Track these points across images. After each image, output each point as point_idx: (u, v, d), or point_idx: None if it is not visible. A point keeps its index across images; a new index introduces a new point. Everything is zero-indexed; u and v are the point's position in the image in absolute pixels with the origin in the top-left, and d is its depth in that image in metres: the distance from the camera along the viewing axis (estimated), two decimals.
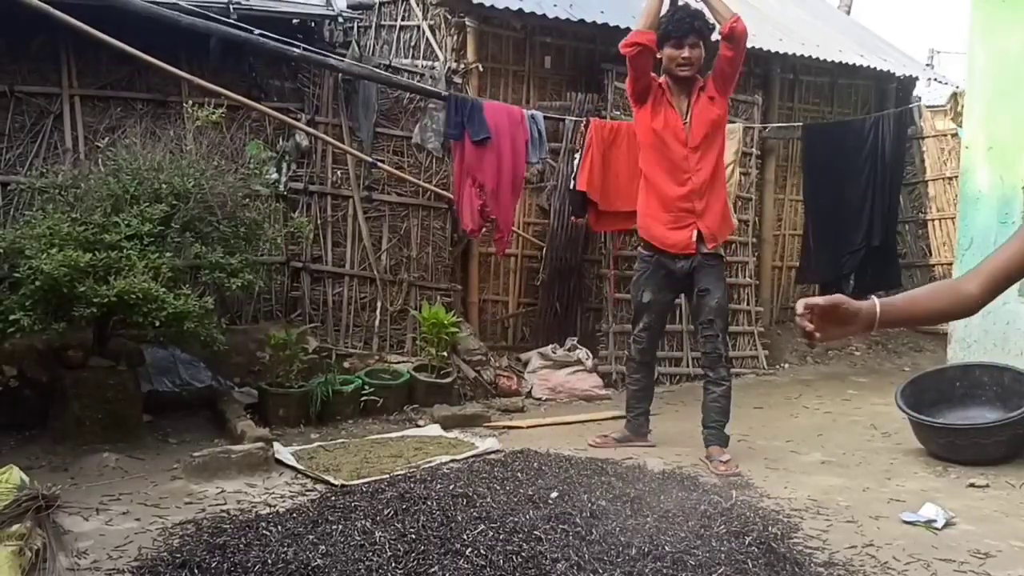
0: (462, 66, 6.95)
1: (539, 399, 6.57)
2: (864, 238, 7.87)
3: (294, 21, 6.36)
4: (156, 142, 5.61)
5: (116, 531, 3.72)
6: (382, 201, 6.74)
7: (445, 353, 6.26)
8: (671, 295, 5.16)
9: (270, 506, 4.01)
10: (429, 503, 3.69)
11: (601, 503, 3.74)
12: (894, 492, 4.47)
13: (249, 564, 3.15)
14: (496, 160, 6.37)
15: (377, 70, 6.56)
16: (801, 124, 8.26)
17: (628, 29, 7.19)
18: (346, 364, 6.22)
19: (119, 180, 4.93)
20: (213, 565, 3.18)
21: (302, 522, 3.60)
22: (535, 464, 4.46)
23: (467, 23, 7.00)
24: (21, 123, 5.73)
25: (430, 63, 7.11)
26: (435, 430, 5.46)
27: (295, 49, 5.98)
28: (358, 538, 3.35)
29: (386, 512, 3.62)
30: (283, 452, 4.78)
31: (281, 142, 6.38)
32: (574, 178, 6.76)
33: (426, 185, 6.80)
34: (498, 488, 3.94)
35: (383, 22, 7.70)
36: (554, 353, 6.94)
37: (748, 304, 8.02)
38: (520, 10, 6.97)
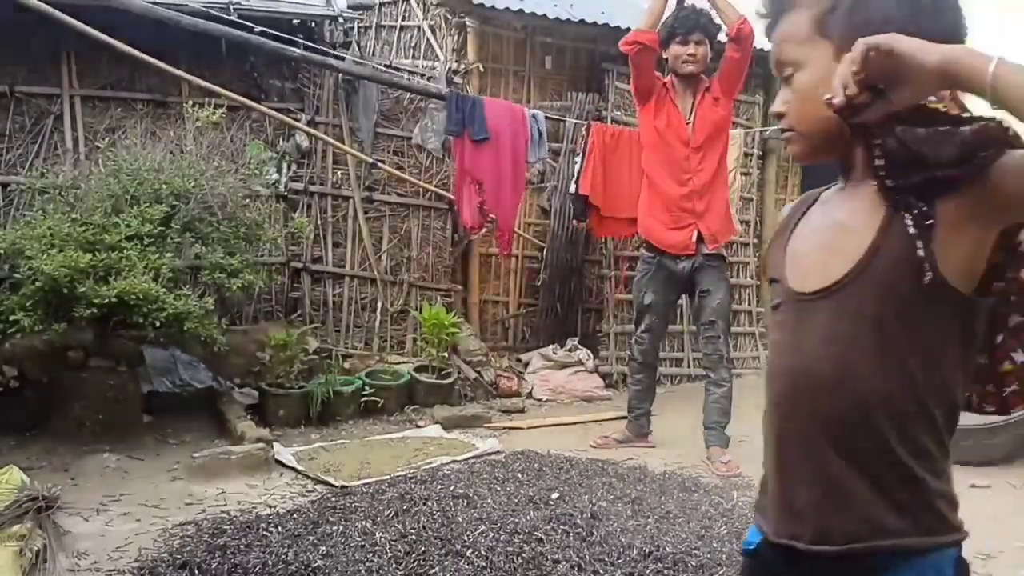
0: (462, 66, 6.94)
1: (540, 400, 6.57)
2: None
3: (294, 21, 6.36)
4: (156, 142, 5.61)
5: (116, 532, 3.72)
6: (382, 201, 6.74)
7: (445, 354, 6.26)
8: (673, 296, 5.16)
9: (270, 507, 4.01)
10: (430, 504, 3.69)
11: (602, 504, 3.74)
12: None
13: (249, 565, 3.15)
14: (496, 158, 6.36)
15: (377, 70, 6.56)
16: None
17: (629, 29, 7.18)
18: (346, 365, 6.21)
19: (119, 180, 4.93)
20: (213, 566, 3.18)
21: (302, 523, 3.60)
22: (536, 465, 4.46)
23: (467, 23, 7.00)
24: (21, 123, 5.72)
25: (430, 63, 7.11)
26: (436, 431, 5.46)
27: (295, 49, 5.98)
28: (358, 539, 3.34)
29: (387, 513, 3.62)
30: (283, 453, 4.77)
31: (281, 142, 6.37)
32: (575, 182, 6.76)
33: (426, 185, 6.80)
34: (499, 489, 3.94)
35: (383, 22, 7.69)
36: (555, 354, 6.94)
37: (749, 305, 8.02)
38: (521, 10, 6.97)
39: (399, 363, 6.39)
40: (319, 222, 6.51)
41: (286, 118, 6.28)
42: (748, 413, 5.67)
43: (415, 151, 6.82)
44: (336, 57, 6.33)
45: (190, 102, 5.76)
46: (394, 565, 3.12)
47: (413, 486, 3.99)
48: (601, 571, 3.11)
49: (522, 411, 6.26)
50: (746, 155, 7.96)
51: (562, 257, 7.36)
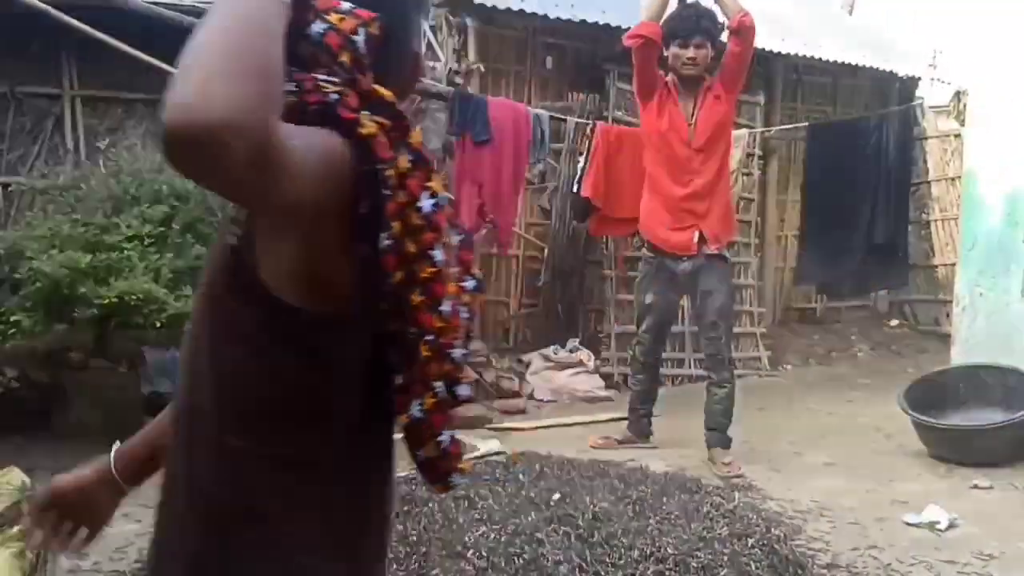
0: (463, 67, 6.93)
1: (541, 400, 6.56)
2: (865, 238, 7.85)
3: None
4: (157, 143, 5.60)
5: (117, 533, 3.70)
6: None
7: None
8: (674, 297, 5.13)
9: None
10: (431, 505, 3.68)
11: (603, 505, 3.73)
12: (897, 494, 4.45)
13: None
14: (497, 161, 6.36)
15: None
16: (804, 125, 8.24)
17: (630, 28, 7.21)
18: None
19: (120, 181, 4.93)
20: None
21: None
22: (537, 466, 4.44)
23: (468, 24, 6.99)
24: (22, 124, 5.73)
25: (431, 64, 7.11)
26: None
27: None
28: None
29: None
30: None
31: None
32: (578, 182, 6.75)
33: None
34: (500, 490, 3.93)
35: None
36: (556, 354, 6.93)
37: (751, 305, 8.01)
38: (522, 11, 6.97)
39: None
40: None
41: None
42: (749, 415, 5.68)
43: None
44: None
45: None
46: (395, 566, 3.11)
47: (414, 487, 3.97)
48: (602, 572, 3.10)
49: (523, 412, 6.25)
50: (747, 155, 7.95)
51: (563, 258, 7.35)
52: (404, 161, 1.03)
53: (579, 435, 5.53)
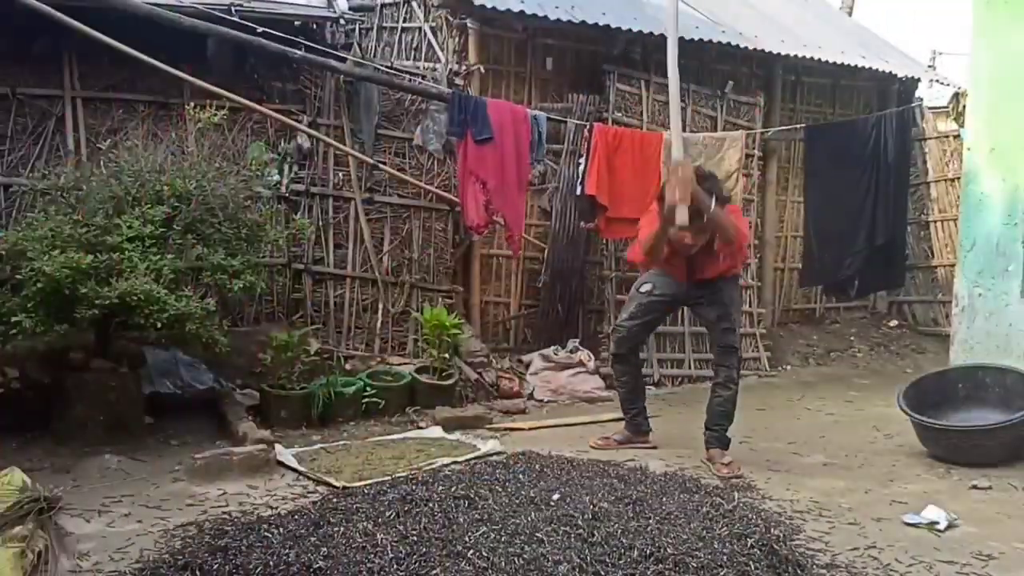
0: (464, 68, 6.95)
1: (541, 401, 6.57)
2: (867, 239, 7.85)
3: (296, 23, 6.37)
4: (158, 144, 5.62)
5: (118, 533, 3.72)
6: (384, 203, 6.74)
7: (447, 355, 6.25)
8: (669, 296, 5.01)
9: (272, 508, 4.01)
10: (431, 505, 3.69)
11: (603, 505, 3.74)
12: (896, 494, 4.46)
13: (251, 566, 3.15)
14: (499, 158, 6.37)
15: (379, 72, 6.56)
16: (803, 126, 8.25)
17: (629, 30, 7.24)
18: (348, 366, 6.22)
19: (121, 182, 4.94)
20: (215, 567, 3.18)
21: (304, 524, 3.60)
22: (537, 466, 4.45)
23: (469, 25, 7.00)
24: (23, 125, 5.74)
25: (432, 65, 7.12)
26: (437, 432, 5.46)
27: (297, 51, 5.99)
28: (360, 540, 3.34)
29: (388, 514, 3.62)
30: (285, 454, 4.77)
31: (283, 144, 6.38)
32: (581, 183, 6.76)
33: (427, 187, 6.80)
34: (500, 490, 3.93)
35: (385, 24, 7.70)
36: (556, 355, 6.94)
37: (750, 306, 8.01)
38: (522, 12, 6.97)
39: (400, 364, 6.39)
40: (320, 223, 6.52)
41: (287, 119, 6.29)
42: (750, 415, 5.69)
43: (416, 152, 6.83)
44: (337, 59, 6.34)
45: (192, 104, 5.77)
46: (395, 566, 3.12)
47: (414, 487, 3.99)
48: (602, 572, 3.11)
49: (523, 412, 6.26)
50: (747, 156, 7.96)
51: (563, 258, 7.36)
52: None
53: (579, 435, 5.54)
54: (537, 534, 3.36)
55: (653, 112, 7.50)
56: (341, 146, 6.51)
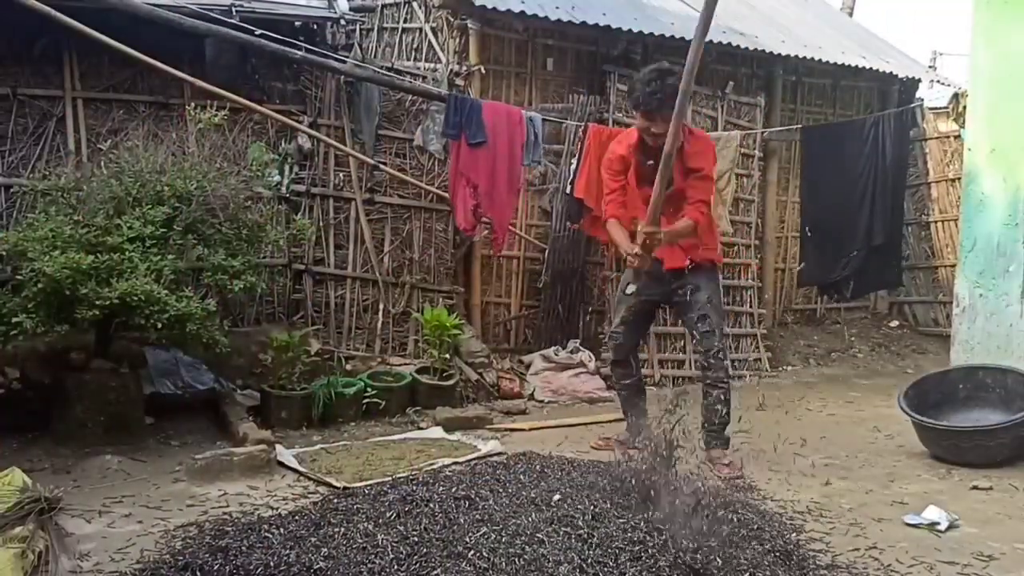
0: (464, 68, 6.95)
1: (541, 401, 6.57)
2: (863, 239, 7.84)
3: (296, 23, 6.37)
4: (158, 144, 5.62)
5: (118, 533, 3.72)
6: (384, 203, 6.74)
7: (447, 355, 6.26)
8: (655, 295, 4.97)
9: (272, 508, 4.01)
10: (431, 505, 3.69)
11: (604, 506, 3.74)
12: (897, 495, 4.46)
13: (251, 567, 3.15)
14: (491, 161, 6.39)
15: (379, 72, 6.56)
16: (800, 126, 8.25)
17: (630, 31, 7.24)
18: (348, 366, 6.22)
19: (121, 182, 4.94)
20: (215, 567, 3.18)
21: (304, 524, 3.60)
22: (537, 466, 4.44)
23: (469, 25, 7.01)
24: (24, 125, 5.74)
25: (432, 65, 7.12)
26: (437, 432, 5.46)
27: (297, 51, 5.98)
28: (360, 541, 3.34)
29: (388, 514, 3.61)
30: (285, 454, 4.77)
31: (283, 144, 6.38)
32: (571, 183, 6.77)
33: (428, 187, 6.80)
34: (500, 491, 3.93)
35: (385, 24, 7.70)
36: (556, 355, 6.94)
37: (751, 306, 8.01)
38: (522, 12, 6.98)
39: (401, 365, 6.39)
40: (321, 224, 6.52)
41: (288, 120, 6.29)
42: (750, 415, 5.69)
43: (417, 153, 6.83)
44: (338, 59, 6.34)
45: (192, 104, 5.77)
46: (396, 567, 3.12)
47: (415, 488, 3.98)
48: (602, 574, 3.10)
49: (524, 412, 6.26)
50: (747, 156, 7.97)
51: (564, 259, 7.36)
52: None
53: (580, 436, 5.54)
54: (538, 535, 3.36)
55: None
56: (342, 147, 6.51)
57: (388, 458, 4.81)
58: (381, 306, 6.71)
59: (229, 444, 4.95)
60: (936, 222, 9.20)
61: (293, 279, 6.46)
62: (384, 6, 7.68)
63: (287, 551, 3.26)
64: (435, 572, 3.09)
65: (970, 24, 5.94)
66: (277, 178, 6.25)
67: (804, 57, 8.36)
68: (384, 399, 5.87)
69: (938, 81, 10.15)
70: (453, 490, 3.90)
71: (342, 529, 3.48)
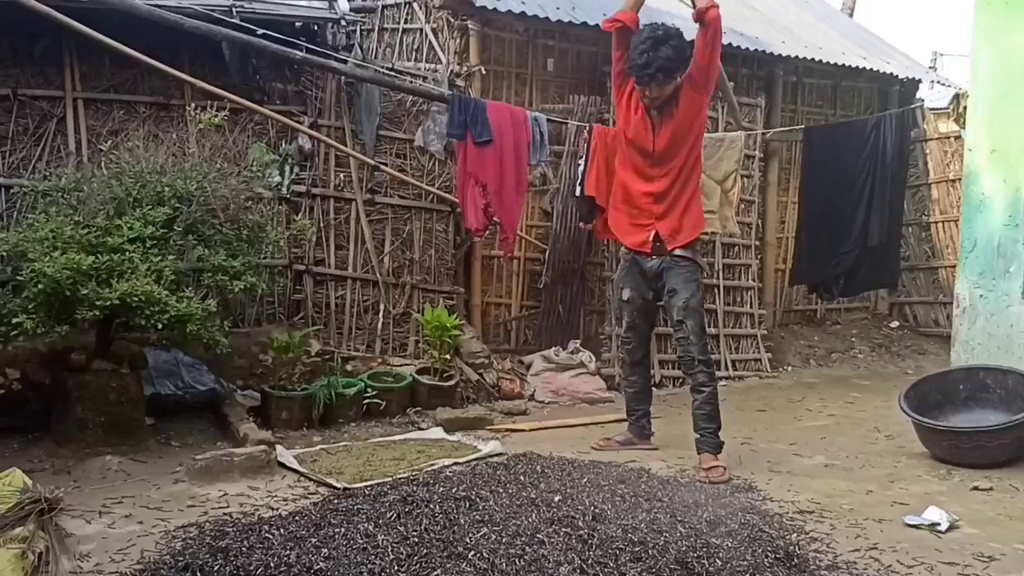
0: (465, 69, 6.95)
1: (542, 402, 6.57)
2: (858, 238, 7.84)
3: (297, 24, 6.36)
4: (159, 145, 5.62)
5: (119, 534, 3.72)
6: (385, 204, 6.74)
7: (448, 356, 6.26)
8: (648, 294, 5.03)
9: (272, 509, 4.01)
10: (432, 506, 3.69)
11: (604, 506, 3.74)
12: (898, 495, 4.46)
13: (252, 567, 3.15)
14: (499, 160, 6.38)
15: (380, 73, 6.56)
16: (802, 127, 8.25)
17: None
18: (349, 367, 6.21)
19: (122, 183, 4.94)
20: (215, 568, 3.18)
21: (304, 525, 3.60)
22: (538, 467, 4.45)
23: (470, 26, 7.01)
24: (24, 126, 5.74)
25: (433, 66, 7.13)
26: (438, 433, 5.46)
27: (298, 52, 5.98)
28: (361, 541, 3.34)
29: (389, 515, 3.62)
30: (285, 455, 4.77)
31: (284, 145, 6.38)
32: (580, 184, 6.76)
33: (428, 188, 6.80)
34: (501, 491, 3.93)
35: (386, 25, 7.70)
36: (557, 356, 6.94)
37: (751, 307, 8.02)
38: (523, 13, 6.98)
39: (401, 365, 6.39)
40: (321, 224, 6.52)
41: (289, 121, 6.29)
42: (750, 416, 5.69)
43: (417, 153, 6.84)
44: (338, 60, 6.34)
45: (193, 105, 5.77)
46: (396, 567, 3.12)
47: (415, 488, 3.99)
48: (602, 574, 3.11)
49: (524, 413, 6.26)
50: (748, 157, 7.96)
51: (564, 259, 7.37)
52: None
53: (580, 436, 5.54)
54: (538, 535, 3.36)
55: None
56: (342, 147, 6.51)
57: (388, 459, 4.81)
58: (381, 307, 6.71)
59: (229, 445, 4.95)
60: (936, 223, 9.20)
61: (294, 280, 6.46)
62: (385, 7, 7.69)
63: (287, 552, 3.26)
64: (435, 573, 3.09)
65: (971, 24, 5.94)
66: (278, 179, 6.25)
67: (804, 58, 8.36)
68: (384, 400, 5.87)
69: (939, 82, 10.16)
70: (453, 491, 3.90)
71: (342, 530, 3.49)
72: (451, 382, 6.16)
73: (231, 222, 5.07)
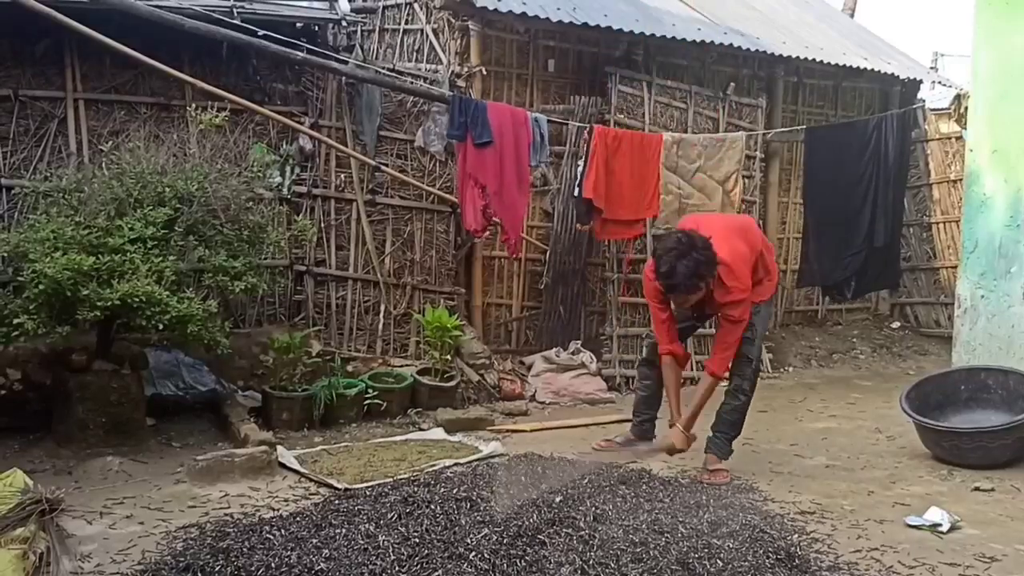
0: (465, 70, 6.95)
1: (543, 403, 6.57)
2: (865, 239, 7.84)
3: (297, 25, 6.36)
4: (160, 146, 5.62)
5: (120, 534, 3.72)
6: (385, 204, 6.74)
7: (448, 357, 6.26)
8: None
9: (273, 510, 4.01)
10: (432, 507, 3.69)
11: (605, 507, 3.74)
12: (899, 496, 4.46)
13: (252, 568, 3.15)
14: (499, 162, 6.38)
15: (380, 74, 6.56)
16: (804, 127, 8.24)
17: (631, 32, 7.24)
18: (349, 367, 6.21)
19: (123, 184, 4.94)
20: (216, 569, 3.18)
21: (305, 526, 3.60)
22: (539, 468, 4.45)
23: (470, 27, 7.01)
24: (25, 127, 5.74)
25: (433, 67, 7.13)
26: (438, 434, 5.46)
27: (299, 53, 5.98)
28: (361, 542, 3.34)
29: (389, 516, 3.62)
30: (286, 456, 4.77)
31: (285, 146, 6.38)
32: (579, 185, 6.77)
33: (429, 188, 6.80)
34: (502, 492, 3.93)
35: (386, 26, 7.71)
36: (558, 356, 6.93)
37: None
38: (523, 14, 6.97)
39: (402, 366, 6.39)
40: (322, 225, 6.52)
41: (289, 121, 6.29)
42: (752, 416, 5.67)
43: (418, 154, 6.83)
44: (339, 60, 6.34)
45: (193, 105, 5.77)
46: (397, 568, 3.12)
47: (416, 489, 3.99)
48: (603, 574, 3.11)
49: (525, 414, 6.26)
50: (748, 158, 7.95)
51: (565, 260, 7.36)
52: None
53: (581, 437, 5.54)
54: (539, 536, 3.36)
55: (655, 114, 7.50)
56: (343, 148, 6.51)
57: (389, 459, 4.80)
58: (382, 307, 6.71)
59: (230, 445, 4.95)
60: (938, 223, 9.20)
61: (294, 280, 6.46)
62: (385, 7, 7.70)
63: (288, 552, 3.26)
64: (436, 573, 3.09)
65: (971, 25, 5.94)
66: (278, 179, 6.25)
67: (805, 58, 8.35)
68: (385, 400, 5.87)
69: (939, 82, 10.15)
70: (454, 491, 3.91)
71: (343, 530, 3.49)
72: (452, 383, 6.16)
73: (232, 223, 5.07)
